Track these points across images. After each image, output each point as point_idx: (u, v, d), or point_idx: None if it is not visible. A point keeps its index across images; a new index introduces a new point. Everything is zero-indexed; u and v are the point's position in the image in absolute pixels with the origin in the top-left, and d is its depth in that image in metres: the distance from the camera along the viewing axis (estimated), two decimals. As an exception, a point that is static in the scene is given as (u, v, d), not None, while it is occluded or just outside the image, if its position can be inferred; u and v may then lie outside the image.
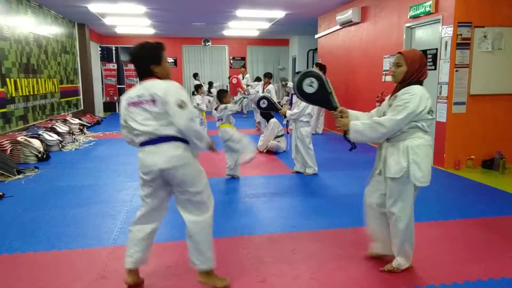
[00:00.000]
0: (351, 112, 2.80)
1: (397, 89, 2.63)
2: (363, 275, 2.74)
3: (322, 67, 8.82)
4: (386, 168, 2.62)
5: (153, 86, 2.37)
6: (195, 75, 14.19)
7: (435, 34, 6.00)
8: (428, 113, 2.53)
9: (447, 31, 5.60)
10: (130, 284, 2.56)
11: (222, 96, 5.37)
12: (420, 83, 2.59)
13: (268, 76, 9.85)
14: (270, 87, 9.69)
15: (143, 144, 2.39)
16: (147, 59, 2.42)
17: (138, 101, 2.37)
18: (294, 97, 6.20)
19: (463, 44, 5.50)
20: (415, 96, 2.48)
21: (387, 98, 2.79)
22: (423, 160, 2.54)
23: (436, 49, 5.92)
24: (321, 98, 2.82)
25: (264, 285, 2.62)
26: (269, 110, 6.46)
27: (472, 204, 4.24)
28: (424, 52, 6.28)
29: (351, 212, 3.99)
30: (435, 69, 5.96)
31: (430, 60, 6.13)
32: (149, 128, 2.34)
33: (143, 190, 2.50)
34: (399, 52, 2.63)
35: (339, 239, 3.36)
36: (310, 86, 2.79)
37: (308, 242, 3.30)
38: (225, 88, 12.51)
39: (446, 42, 5.62)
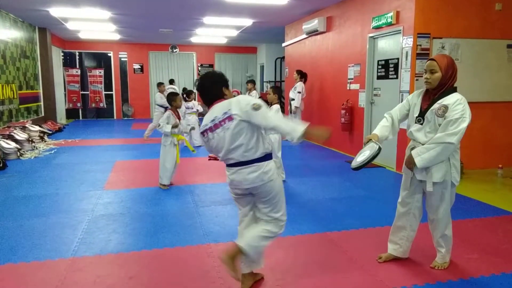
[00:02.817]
0: (377, 133, 2.85)
1: (434, 95, 2.71)
2: (331, 281, 2.76)
3: (303, 75, 8.96)
4: (427, 173, 2.72)
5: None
6: (171, 81, 13.76)
7: (396, 45, 6.21)
8: None
9: (408, 42, 5.81)
10: None
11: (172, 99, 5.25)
12: (455, 89, 2.70)
13: (252, 82, 10.07)
14: (254, 93, 9.85)
15: None
16: (221, 82, 2.56)
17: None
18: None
19: (422, 54, 5.72)
20: (466, 105, 2.61)
21: (412, 96, 2.88)
22: (458, 162, 2.76)
23: (398, 58, 6.13)
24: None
25: (229, 294, 2.59)
26: None
27: (432, 208, 4.39)
28: (386, 61, 6.49)
29: (318, 218, 4.03)
30: (396, 78, 6.16)
31: (392, 69, 6.33)
32: None
33: None
34: (432, 59, 2.70)
35: (305, 245, 3.38)
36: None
37: (274, 249, 3.29)
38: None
39: (407, 52, 5.83)
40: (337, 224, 3.85)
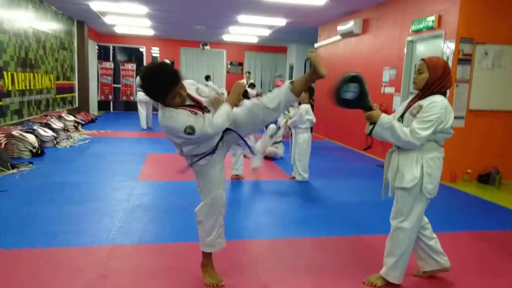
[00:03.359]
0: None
1: (419, 97, 2.56)
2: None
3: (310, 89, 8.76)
4: (397, 177, 2.56)
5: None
6: (207, 78, 13.93)
7: (436, 49, 6.06)
8: (450, 128, 2.50)
9: (449, 47, 5.67)
10: None
11: None
12: (443, 93, 2.52)
13: (252, 86, 10.06)
14: None
15: None
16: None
17: None
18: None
19: (464, 60, 5.57)
20: (443, 111, 2.42)
21: (405, 101, 2.76)
22: (435, 172, 2.53)
23: (437, 63, 5.98)
24: (358, 102, 2.65)
25: (267, 291, 2.60)
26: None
27: (468, 217, 4.28)
28: (425, 66, 6.34)
29: (350, 220, 3.99)
30: (435, 83, 6.01)
31: (430, 74, 6.18)
32: None
33: None
34: (422, 59, 2.57)
35: (340, 247, 3.35)
36: (348, 92, 2.63)
37: (309, 249, 3.28)
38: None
39: (448, 57, 5.68)
40: (371, 228, 3.80)
